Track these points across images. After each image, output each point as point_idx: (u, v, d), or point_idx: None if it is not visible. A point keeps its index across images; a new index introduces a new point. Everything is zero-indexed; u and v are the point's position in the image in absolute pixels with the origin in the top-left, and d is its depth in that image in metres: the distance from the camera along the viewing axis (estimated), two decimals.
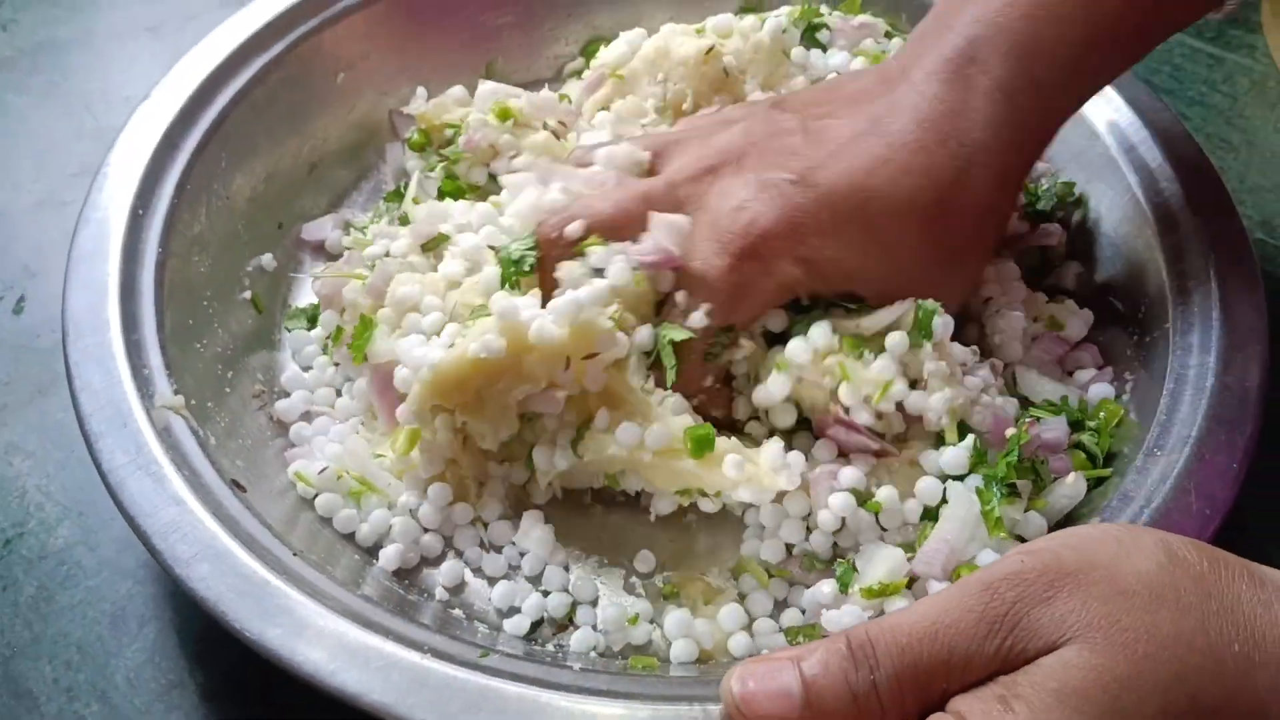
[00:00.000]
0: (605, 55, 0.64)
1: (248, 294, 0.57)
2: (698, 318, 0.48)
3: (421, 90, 0.65)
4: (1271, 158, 0.68)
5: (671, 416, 0.48)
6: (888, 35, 0.67)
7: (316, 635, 0.41)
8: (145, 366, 0.49)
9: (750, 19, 0.63)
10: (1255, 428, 0.48)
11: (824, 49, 0.66)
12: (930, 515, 0.49)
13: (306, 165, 0.62)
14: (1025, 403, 0.53)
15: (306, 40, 0.62)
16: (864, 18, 0.67)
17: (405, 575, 0.50)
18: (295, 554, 0.45)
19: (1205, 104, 0.71)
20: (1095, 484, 0.50)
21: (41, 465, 0.54)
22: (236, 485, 0.47)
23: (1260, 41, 0.74)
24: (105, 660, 0.48)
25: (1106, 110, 0.61)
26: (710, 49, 0.62)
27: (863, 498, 0.49)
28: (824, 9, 0.66)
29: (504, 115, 0.61)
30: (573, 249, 0.49)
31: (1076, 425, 0.52)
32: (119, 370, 0.48)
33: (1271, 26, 0.73)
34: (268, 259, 0.59)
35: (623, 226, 0.50)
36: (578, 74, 0.67)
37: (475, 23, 0.66)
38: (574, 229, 0.49)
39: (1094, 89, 0.54)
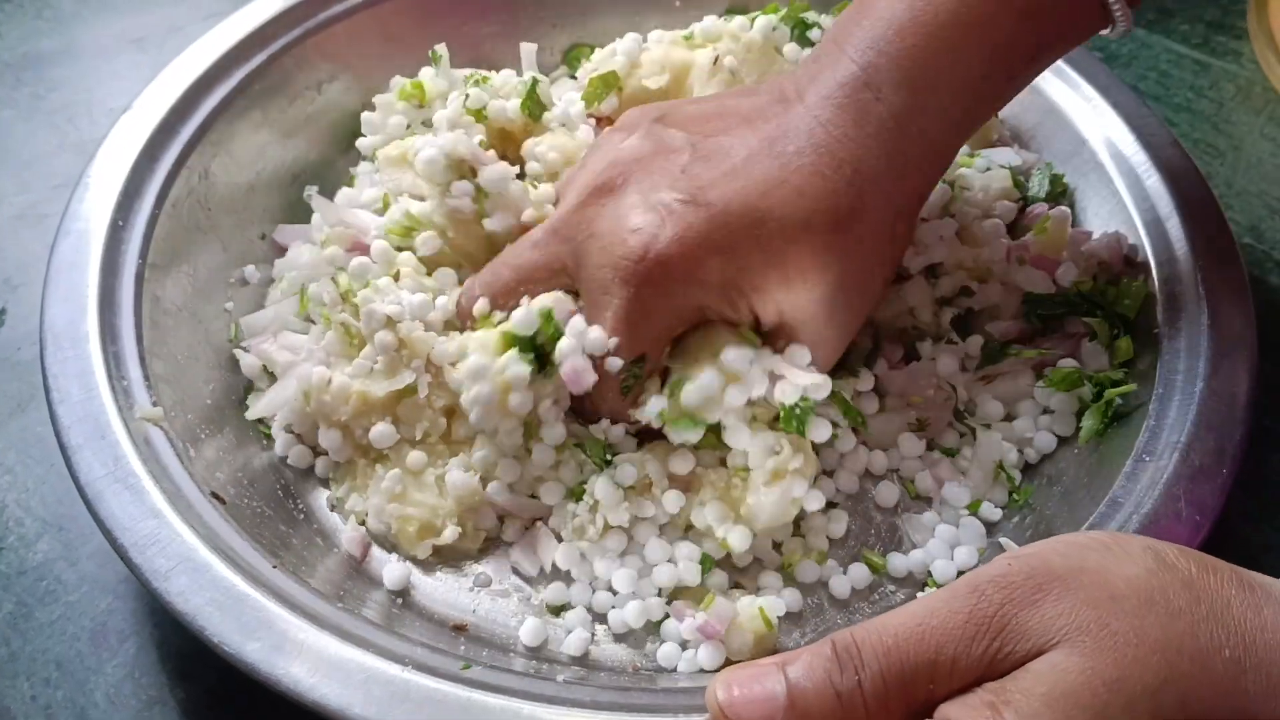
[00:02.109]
0: (601, 64, 0.63)
1: (230, 305, 0.57)
2: (612, 361, 0.48)
3: (398, 79, 0.64)
4: (1258, 163, 0.68)
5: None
6: None
7: (296, 649, 0.41)
8: (124, 378, 0.49)
9: (739, 19, 0.63)
10: (1244, 434, 0.48)
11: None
12: None
13: (289, 176, 0.62)
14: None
15: (288, 51, 0.62)
16: None
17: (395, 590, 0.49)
18: (274, 566, 0.45)
19: (1192, 110, 0.71)
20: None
21: (21, 480, 0.53)
22: (216, 497, 0.47)
23: (1246, 47, 0.74)
24: (85, 677, 0.47)
25: (1093, 117, 0.61)
26: (717, 59, 0.62)
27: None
28: (814, 14, 0.66)
29: (407, 95, 0.61)
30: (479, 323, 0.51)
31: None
32: (97, 382, 0.48)
33: (1257, 32, 0.74)
34: (250, 270, 0.58)
35: (527, 283, 0.50)
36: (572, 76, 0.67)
37: (459, 33, 0.66)
38: (480, 307, 0.50)
39: (991, 112, 0.54)
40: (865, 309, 0.51)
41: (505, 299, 0.50)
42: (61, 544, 0.51)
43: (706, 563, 0.49)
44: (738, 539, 0.48)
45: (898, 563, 0.50)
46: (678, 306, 0.48)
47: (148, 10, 0.76)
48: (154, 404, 0.49)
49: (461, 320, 0.52)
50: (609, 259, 0.47)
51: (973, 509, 0.52)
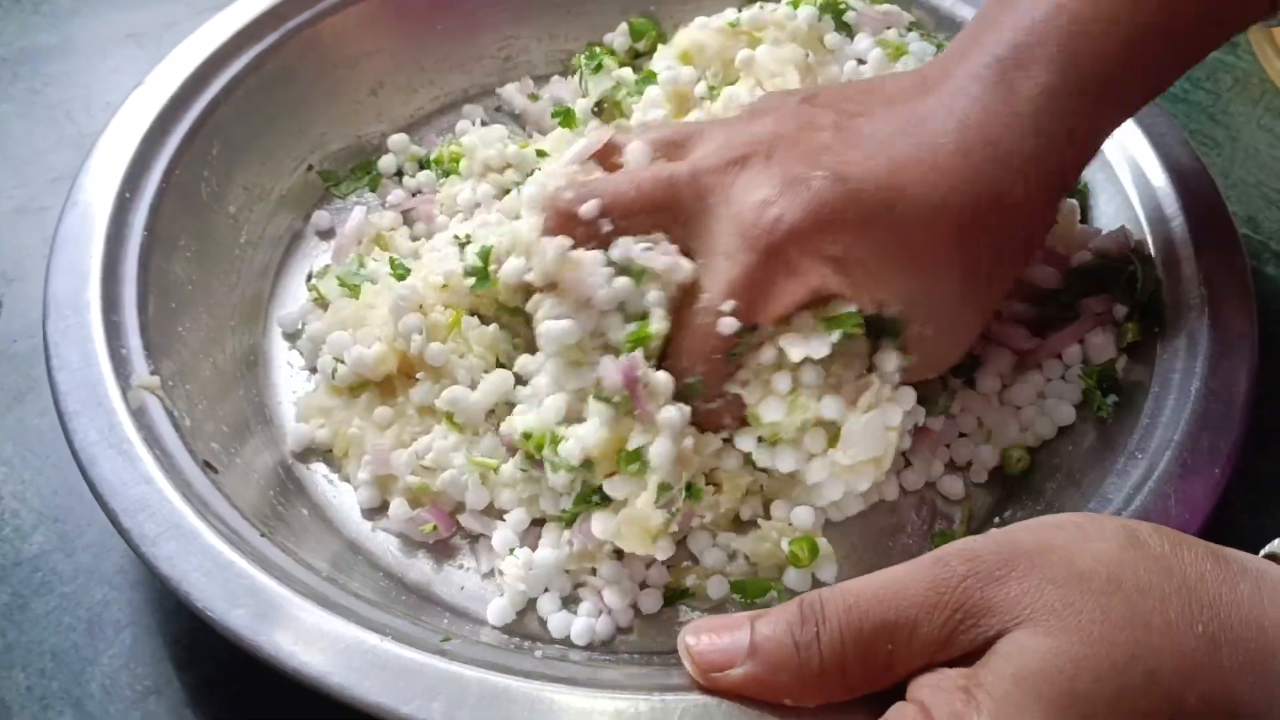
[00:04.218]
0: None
1: (235, 279, 0.57)
2: (727, 321, 0.46)
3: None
4: (1255, 154, 0.68)
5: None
6: (910, 28, 0.66)
7: (280, 617, 0.41)
8: (124, 347, 0.49)
9: (783, 9, 0.63)
10: (1240, 434, 0.48)
11: (852, 34, 0.65)
12: None
13: (304, 163, 0.63)
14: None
15: (300, 32, 0.62)
16: (888, 6, 0.66)
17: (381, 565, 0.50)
18: (263, 535, 0.45)
19: (1188, 101, 0.71)
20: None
21: (17, 471, 0.54)
22: (209, 466, 0.47)
23: (1243, 38, 0.74)
24: (80, 668, 0.47)
25: None
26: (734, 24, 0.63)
27: None
28: None
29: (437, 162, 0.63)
30: (589, 234, 0.47)
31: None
32: (96, 350, 0.49)
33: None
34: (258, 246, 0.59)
35: (643, 211, 0.48)
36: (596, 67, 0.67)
37: (463, 13, 0.67)
38: (589, 208, 0.47)
39: (1144, 97, 0.51)
40: (990, 307, 0.50)
41: (624, 218, 0.48)
42: (57, 535, 0.51)
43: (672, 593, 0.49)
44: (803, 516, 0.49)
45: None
46: (802, 284, 0.46)
47: (144, 6, 0.76)
48: (152, 373, 0.49)
49: (561, 218, 0.48)
50: (738, 226, 0.46)
51: None
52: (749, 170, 0.48)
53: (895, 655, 0.35)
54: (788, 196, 0.46)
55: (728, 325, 0.46)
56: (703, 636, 0.38)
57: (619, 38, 0.68)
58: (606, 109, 0.64)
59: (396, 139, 0.65)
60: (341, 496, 0.52)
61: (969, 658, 0.35)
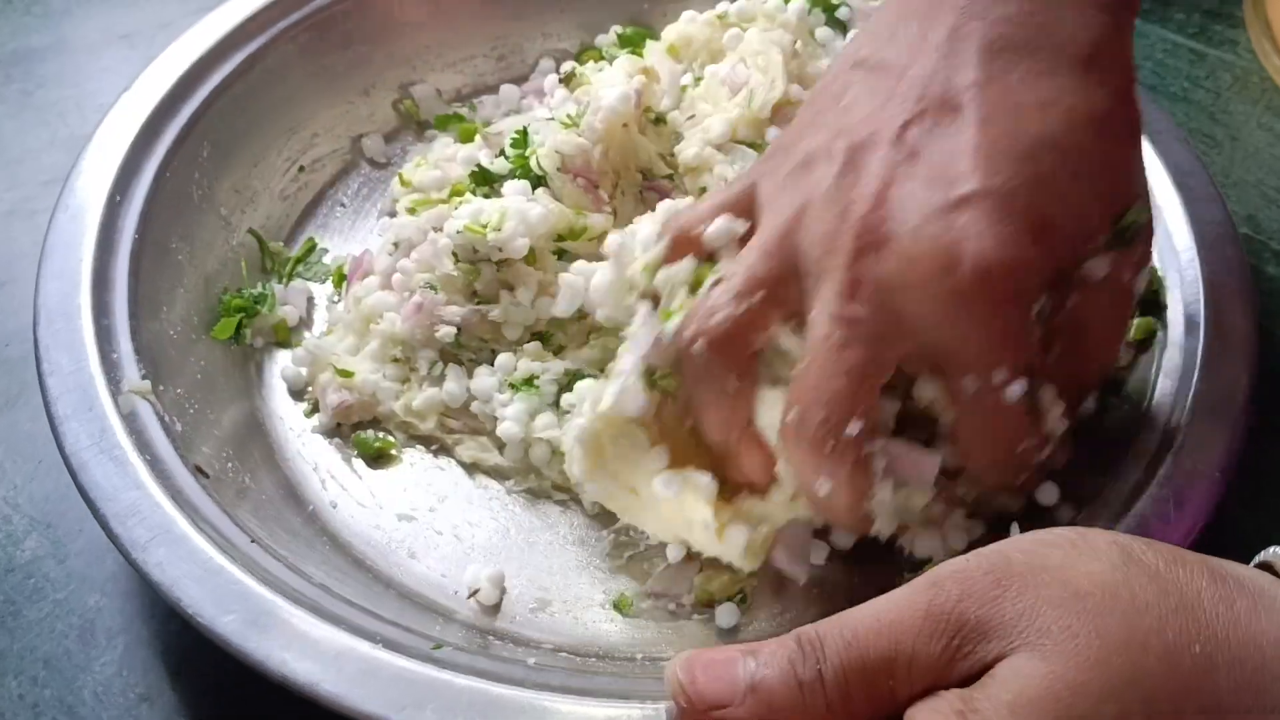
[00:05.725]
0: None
1: (227, 282, 0.57)
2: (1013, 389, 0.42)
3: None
4: (1255, 153, 0.67)
5: None
6: None
7: (270, 623, 0.41)
8: (114, 352, 0.49)
9: (774, 1, 0.63)
10: (1239, 435, 0.48)
11: (845, 30, 0.65)
12: None
13: (295, 165, 0.63)
14: None
15: (290, 34, 0.62)
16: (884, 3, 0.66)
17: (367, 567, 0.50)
18: (253, 541, 0.45)
19: (1188, 100, 0.70)
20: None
21: (9, 477, 0.53)
22: (200, 472, 0.47)
23: (1243, 36, 0.73)
24: (73, 675, 0.47)
25: None
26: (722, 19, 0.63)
27: None
28: None
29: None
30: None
31: None
32: (87, 355, 0.49)
33: (1253, 21, 0.73)
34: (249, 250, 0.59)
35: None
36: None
37: (475, 14, 0.67)
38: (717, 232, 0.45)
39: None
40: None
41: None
42: (50, 541, 0.51)
43: (624, 604, 0.48)
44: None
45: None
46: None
47: (137, 6, 0.76)
48: (143, 378, 0.49)
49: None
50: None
51: None
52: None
53: (897, 688, 0.35)
54: (965, 225, 0.41)
55: (1013, 393, 0.42)
56: (696, 671, 0.36)
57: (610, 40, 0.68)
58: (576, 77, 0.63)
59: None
60: (336, 502, 0.52)
61: (967, 682, 0.34)
